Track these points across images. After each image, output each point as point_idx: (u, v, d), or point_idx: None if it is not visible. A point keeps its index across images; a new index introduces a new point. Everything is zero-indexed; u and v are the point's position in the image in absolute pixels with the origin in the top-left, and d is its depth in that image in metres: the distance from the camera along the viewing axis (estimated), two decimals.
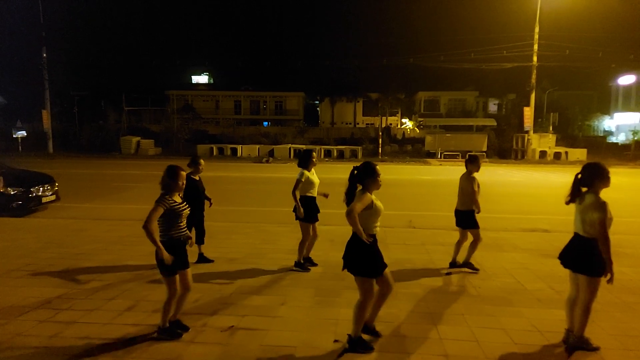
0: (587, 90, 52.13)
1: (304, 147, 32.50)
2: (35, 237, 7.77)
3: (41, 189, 10.49)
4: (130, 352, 3.77)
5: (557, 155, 31.05)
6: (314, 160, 6.07)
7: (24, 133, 32.66)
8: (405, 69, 47.63)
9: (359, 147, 33.54)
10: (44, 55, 34.27)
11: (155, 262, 3.91)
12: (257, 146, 34.16)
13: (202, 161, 6.28)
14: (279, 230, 8.42)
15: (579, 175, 3.90)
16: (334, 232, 7.80)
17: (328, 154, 32.81)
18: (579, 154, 31.15)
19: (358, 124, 55.16)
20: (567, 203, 4.02)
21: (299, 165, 6.02)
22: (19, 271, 5.90)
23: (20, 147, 31.42)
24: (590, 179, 3.82)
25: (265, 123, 53.72)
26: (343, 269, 3.86)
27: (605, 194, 3.79)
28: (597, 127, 49.81)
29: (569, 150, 31.89)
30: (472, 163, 5.96)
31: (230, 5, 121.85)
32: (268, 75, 59.75)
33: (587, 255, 3.80)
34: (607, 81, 49.11)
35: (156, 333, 4.04)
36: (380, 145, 33.27)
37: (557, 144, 33.25)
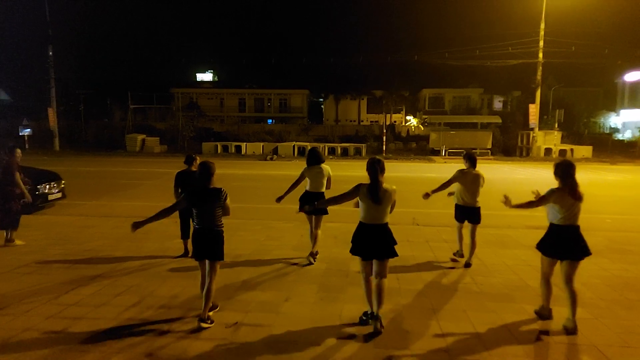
0: (593, 87, 51.67)
1: (308, 144, 32.54)
2: (42, 234, 7.85)
3: (47, 186, 10.55)
4: (137, 347, 3.83)
5: (562, 153, 30.91)
6: None
7: (29, 131, 32.89)
8: (409, 66, 47.48)
9: (363, 145, 33.55)
10: (50, 53, 34.48)
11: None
12: (262, 144, 34.25)
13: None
14: (285, 227, 8.48)
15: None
16: (338, 228, 7.86)
17: (332, 151, 32.83)
18: (585, 152, 31.00)
19: (362, 121, 55.04)
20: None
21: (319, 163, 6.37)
22: (27, 267, 5.99)
23: (26, 145, 31.64)
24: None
25: (270, 120, 53.77)
26: (393, 256, 4.29)
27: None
28: (603, 124, 49.46)
29: (575, 147, 31.75)
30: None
31: (234, 2, 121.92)
32: (272, 73, 59.69)
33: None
34: (613, 78, 48.62)
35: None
36: (384, 143, 33.26)
37: (563, 141, 33.12)
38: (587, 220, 9.34)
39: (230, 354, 3.75)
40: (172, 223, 8.62)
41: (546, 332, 4.20)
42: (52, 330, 4.11)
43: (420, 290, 5.27)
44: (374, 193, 4.14)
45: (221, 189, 4.34)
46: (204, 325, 4.18)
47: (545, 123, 35.48)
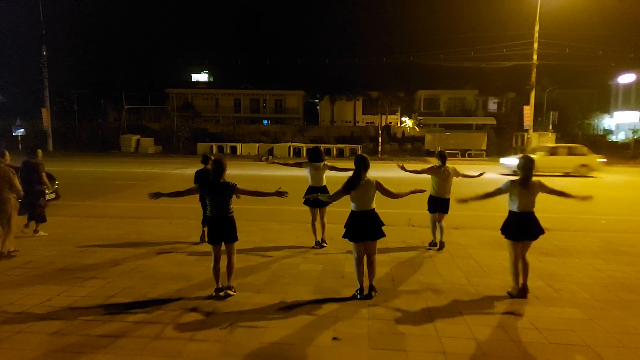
0: (587, 89, 51.96)
1: (303, 145, 32.52)
2: (36, 235, 7.78)
3: None
4: (131, 349, 3.79)
5: None
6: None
7: (23, 131, 32.63)
8: (405, 67, 47.22)
9: (359, 146, 33.54)
10: (44, 53, 34.24)
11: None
12: (257, 144, 34.15)
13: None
14: (280, 228, 8.45)
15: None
16: (334, 230, 7.82)
17: (328, 152, 32.76)
18: None
19: (358, 122, 55.04)
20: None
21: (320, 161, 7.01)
22: (20, 269, 5.93)
23: (20, 145, 31.37)
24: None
25: (265, 121, 53.63)
26: (379, 237, 4.94)
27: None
28: (597, 126, 49.69)
29: None
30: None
31: (229, 3, 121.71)
32: (268, 74, 59.46)
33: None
34: (607, 80, 48.89)
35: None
36: (380, 144, 33.27)
37: (557, 142, 33.21)
38: (582, 221, 9.42)
39: (225, 356, 3.71)
40: (167, 224, 8.60)
41: (513, 313, 4.68)
42: (45, 333, 4.06)
43: (417, 292, 5.26)
44: (355, 182, 4.81)
45: (230, 182, 4.99)
46: (230, 292, 5.00)
47: (539, 124, 35.62)
